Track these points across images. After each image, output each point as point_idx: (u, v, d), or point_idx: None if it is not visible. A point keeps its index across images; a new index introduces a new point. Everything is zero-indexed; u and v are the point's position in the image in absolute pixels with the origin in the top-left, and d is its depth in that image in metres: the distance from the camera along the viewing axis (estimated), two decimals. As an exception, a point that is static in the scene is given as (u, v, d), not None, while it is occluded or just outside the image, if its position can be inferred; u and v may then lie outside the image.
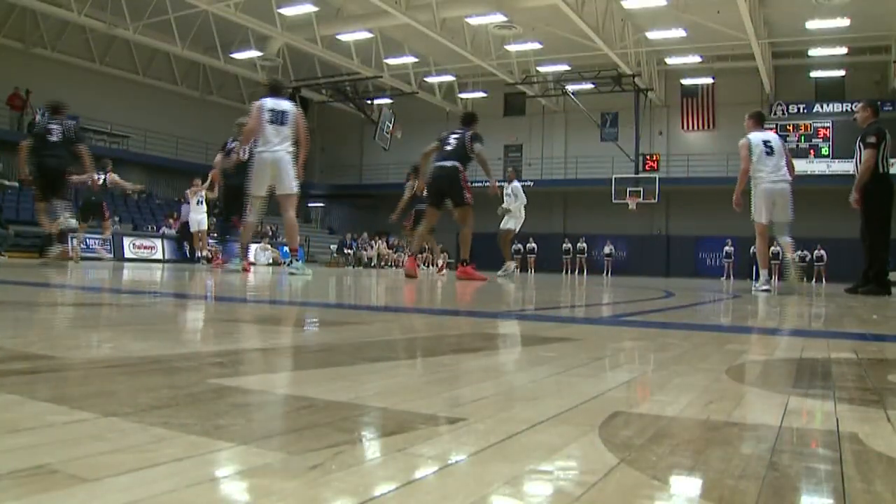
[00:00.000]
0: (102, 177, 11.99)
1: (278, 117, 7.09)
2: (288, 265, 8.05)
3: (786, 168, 6.94)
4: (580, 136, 29.96)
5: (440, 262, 13.60)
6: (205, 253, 15.28)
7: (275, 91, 7.38)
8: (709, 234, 27.66)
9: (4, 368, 1.07)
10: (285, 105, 7.23)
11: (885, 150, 6.83)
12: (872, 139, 6.78)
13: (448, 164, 7.76)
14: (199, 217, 14.19)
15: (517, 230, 11.57)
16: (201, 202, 14.09)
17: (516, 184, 11.56)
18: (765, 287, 6.89)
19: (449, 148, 7.84)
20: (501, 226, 11.41)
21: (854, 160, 7.16)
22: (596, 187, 27.89)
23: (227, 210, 9.39)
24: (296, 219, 7.49)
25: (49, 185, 8.18)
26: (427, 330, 2.26)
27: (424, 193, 11.04)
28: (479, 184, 9.26)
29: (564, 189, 29.95)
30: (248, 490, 0.55)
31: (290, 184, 7.07)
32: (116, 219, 14.25)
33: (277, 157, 7.02)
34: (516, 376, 1.29)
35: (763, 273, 7.11)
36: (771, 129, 7.14)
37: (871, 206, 6.81)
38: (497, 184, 8.46)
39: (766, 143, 6.95)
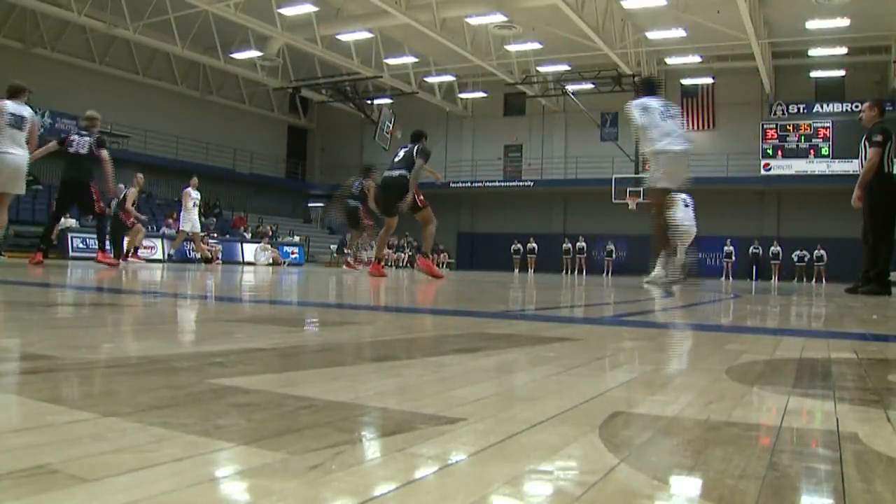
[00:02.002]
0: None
1: (18, 122, 7.25)
2: None
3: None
4: (580, 136, 29.95)
5: (367, 257, 12.93)
6: (200, 255, 15.26)
7: (15, 95, 7.43)
8: (708, 233, 27.64)
9: (4, 368, 1.07)
10: (26, 111, 7.38)
11: (890, 150, 6.81)
12: (879, 138, 6.75)
13: (395, 173, 8.19)
14: (193, 218, 13.91)
15: (675, 186, 7.17)
16: (196, 204, 13.88)
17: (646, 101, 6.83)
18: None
19: (397, 159, 8.32)
20: (648, 183, 7.46)
21: (859, 159, 7.14)
22: (596, 187, 27.88)
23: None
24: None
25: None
26: (427, 330, 2.26)
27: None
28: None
29: (564, 189, 29.92)
30: (248, 490, 0.55)
31: (22, 187, 7.63)
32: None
33: (18, 162, 7.29)
34: (516, 376, 1.29)
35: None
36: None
37: (876, 205, 6.79)
38: (439, 176, 9.26)
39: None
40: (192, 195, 13.70)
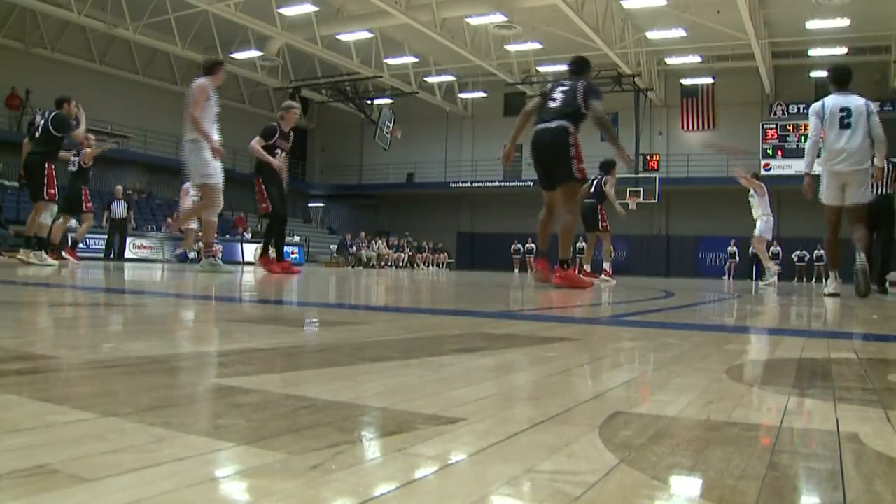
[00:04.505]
0: (76, 160, 11.00)
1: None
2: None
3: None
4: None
5: (606, 267, 10.73)
6: (191, 254, 15.12)
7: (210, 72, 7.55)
8: (709, 233, 27.68)
9: (4, 368, 1.07)
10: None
11: None
12: None
13: (553, 124, 5.82)
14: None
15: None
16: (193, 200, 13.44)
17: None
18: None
19: (554, 104, 5.91)
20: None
21: None
22: (596, 187, 27.90)
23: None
24: None
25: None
26: (427, 330, 2.26)
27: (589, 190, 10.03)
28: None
29: (564, 189, 29.94)
30: (248, 490, 0.55)
31: None
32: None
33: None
34: (516, 376, 1.29)
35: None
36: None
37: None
38: (627, 156, 7.01)
39: None
40: (191, 192, 13.27)
